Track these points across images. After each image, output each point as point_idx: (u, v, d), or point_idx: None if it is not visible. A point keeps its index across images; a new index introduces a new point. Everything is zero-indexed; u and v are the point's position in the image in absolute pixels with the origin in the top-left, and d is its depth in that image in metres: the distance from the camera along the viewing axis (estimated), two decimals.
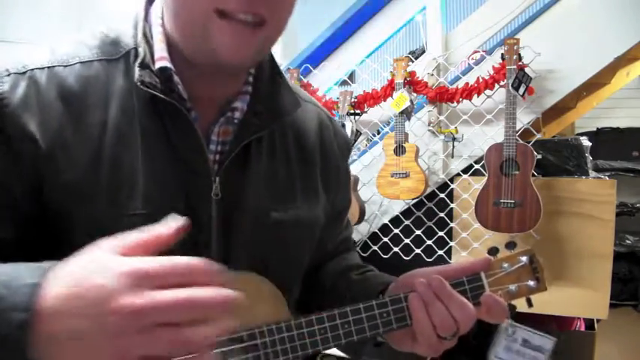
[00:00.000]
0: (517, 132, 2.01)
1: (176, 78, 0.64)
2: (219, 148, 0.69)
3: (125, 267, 0.41)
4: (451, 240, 2.35)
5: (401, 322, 0.67)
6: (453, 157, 2.32)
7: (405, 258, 2.45)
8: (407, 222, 2.45)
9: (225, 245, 0.68)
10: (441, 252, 2.37)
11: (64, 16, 3.09)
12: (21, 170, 0.59)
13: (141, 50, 0.64)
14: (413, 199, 2.35)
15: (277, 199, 0.73)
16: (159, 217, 0.61)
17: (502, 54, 2.05)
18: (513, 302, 0.71)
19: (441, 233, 2.36)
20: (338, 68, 2.72)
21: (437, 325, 0.65)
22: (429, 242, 2.39)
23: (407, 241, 2.44)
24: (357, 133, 2.46)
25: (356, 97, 2.46)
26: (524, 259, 0.72)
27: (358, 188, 2.44)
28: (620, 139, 4.40)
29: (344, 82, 2.79)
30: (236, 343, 0.64)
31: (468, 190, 2.27)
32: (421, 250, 2.41)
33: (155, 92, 0.62)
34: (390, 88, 2.33)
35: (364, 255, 2.53)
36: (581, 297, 2.07)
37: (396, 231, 2.47)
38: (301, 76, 2.60)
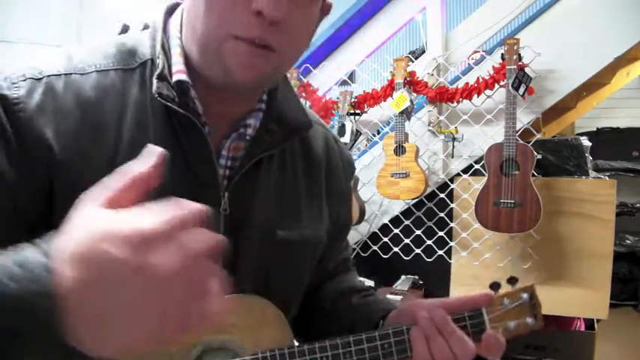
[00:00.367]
0: (517, 132, 2.01)
1: (193, 92, 0.65)
2: (230, 164, 0.70)
3: (125, 230, 0.39)
4: (451, 240, 2.35)
5: (401, 353, 0.68)
6: (453, 157, 2.32)
7: (405, 258, 2.45)
8: (407, 222, 2.46)
9: (230, 260, 0.68)
10: (441, 252, 2.37)
11: (64, 16, 3.09)
12: (34, 176, 0.59)
13: (159, 62, 0.64)
14: (413, 199, 2.35)
15: (284, 217, 0.73)
16: None
17: (502, 54, 2.05)
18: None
19: (441, 233, 2.36)
20: (338, 68, 2.72)
21: (436, 359, 0.67)
22: (429, 242, 2.39)
23: (407, 241, 2.44)
24: (357, 133, 2.46)
25: (356, 97, 2.46)
26: (524, 295, 0.73)
27: (358, 188, 2.44)
28: (620, 139, 4.40)
29: (344, 82, 2.79)
30: None
31: (468, 190, 2.27)
32: (421, 250, 2.41)
33: (172, 105, 0.63)
34: (390, 88, 2.33)
35: (364, 255, 2.54)
36: (581, 297, 2.07)
37: (396, 231, 2.47)
38: (301, 76, 2.61)
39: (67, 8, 3.11)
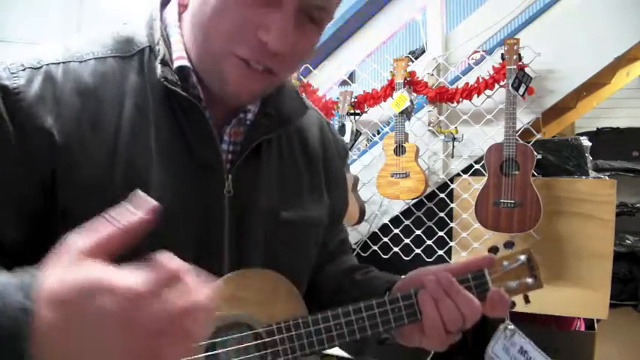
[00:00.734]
0: (517, 132, 2.01)
1: (194, 77, 0.66)
2: (231, 148, 0.71)
3: (114, 284, 0.40)
4: (451, 240, 2.35)
5: (412, 317, 0.70)
6: (453, 157, 2.32)
7: (405, 258, 2.45)
8: (407, 222, 2.46)
9: (237, 243, 0.69)
10: (441, 252, 2.37)
11: (64, 16, 3.09)
12: (35, 165, 0.59)
13: (160, 49, 0.65)
14: (413, 199, 2.35)
15: (286, 200, 0.75)
16: (172, 213, 0.62)
17: (502, 54, 2.05)
18: (513, 299, 0.75)
19: (441, 233, 2.36)
20: (338, 68, 2.72)
21: (445, 320, 0.68)
22: (429, 242, 2.39)
23: (407, 241, 2.44)
24: (357, 133, 2.46)
25: (356, 97, 2.46)
26: (522, 257, 0.76)
27: (358, 188, 2.44)
28: (620, 139, 4.40)
29: (344, 82, 2.79)
30: (253, 339, 0.66)
31: (468, 190, 2.27)
32: (421, 250, 2.41)
33: (177, 89, 0.64)
34: (390, 88, 2.33)
35: (364, 255, 2.54)
36: (581, 297, 2.07)
37: (396, 231, 2.47)
38: (301, 76, 2.61)
39: (67, 8, 3.11)
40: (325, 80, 2.74)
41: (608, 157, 4.18)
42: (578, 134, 3.99)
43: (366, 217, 2.45)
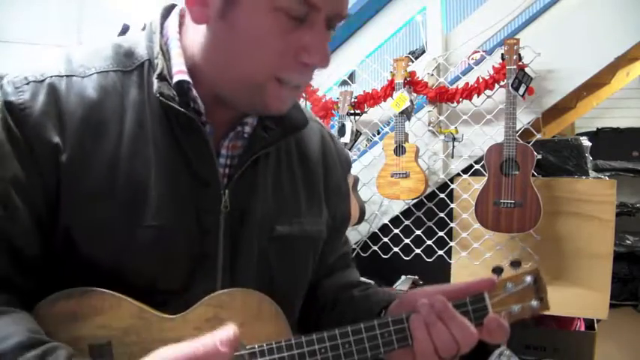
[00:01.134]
0: (517, 132, 2.01)
1: (194, 92, 0.65)
2: (229, 162, 0.71)
3: None
4: (451, 240, 2.35)
5: (402, 342, 0.67)
6: (453, 157, 2.32)
7: (405, 258, 2.45)
8: (407, 222, 2.46)
9: (231, 258, 0.69)
10: (441, 252, 2.37)
11: (64, 17, 3.08)
12: (44, 179, 0.60)
13: (159, 62, 0.65)
14: (413, 199, 2.35)
15: (283, 213, 0.74)
16: (170, 229, 0.63)
17: (502, 54, 2.05)
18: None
19: (441, 233, 2.36)
20: (338, 68, 2.72)
21: (438, 346, 0.65)
22: (429, 242, 2.39)
23: (407, 241, 2.44)
24: (357, 133, 2.46)
25: (356, 97, 2.46)
26: (528, 279, 0.71)
27: (358, 188, 2.44)
28: (620, 139, 4.40)
29: (344, 82, 2.78)
30: None
31: (468, 191, 2.27)
32: (421, 250, 2.41)
33: (173, 104, 0.63)
34: (390, 88, 2.33)
35: (364, 255, 2.54)
36: (581, 297, 2.07)
37: (396, 231, 2.47)
38: None
39: (67, 8, 3.11)
40: (325, 80, 2.74)
41: (608, 157, 4.18)
42: (578, 134, 3.99)
43: (366, 217, 2.45)
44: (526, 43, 2.05)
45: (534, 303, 0.70)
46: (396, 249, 2.47)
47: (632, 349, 3.08)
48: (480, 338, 0.68)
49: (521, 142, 2.01)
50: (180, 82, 0.65)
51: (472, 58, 2.47)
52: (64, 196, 0.60)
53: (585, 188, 2.08)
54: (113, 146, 0.62)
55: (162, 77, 0.64)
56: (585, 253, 2.08)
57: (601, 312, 2.08)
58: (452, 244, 2.35)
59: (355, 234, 2.55)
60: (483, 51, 2.42)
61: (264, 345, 0.63)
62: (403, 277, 2.44)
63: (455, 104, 2.29)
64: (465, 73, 2.37)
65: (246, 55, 0.61)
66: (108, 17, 2.95)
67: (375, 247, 2.52)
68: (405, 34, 4.67)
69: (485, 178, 2.06)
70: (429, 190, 2.35)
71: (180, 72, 0.65)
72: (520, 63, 2.02)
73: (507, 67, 2.01)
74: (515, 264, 0.74)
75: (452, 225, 2.33)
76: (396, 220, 2.49)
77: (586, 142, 2.34)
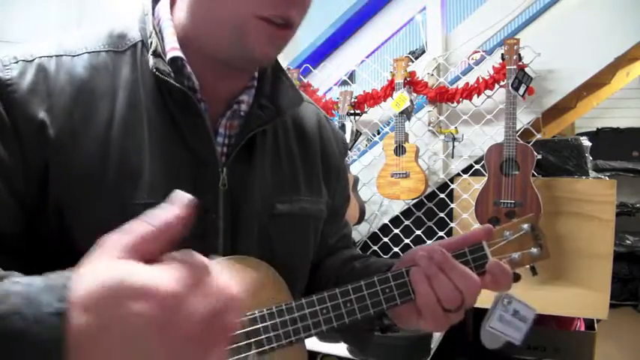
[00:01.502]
0: (517, 132, 2.01)
1: (188, 68, 0.65)
2: (226, 141, 0.70)
3: (152, 287, 0.38)
4: None
5: (404, 296, 0.66)
6: (453, 157, 2.32)
7: None
8: (407, 222, 2.46)
9: (232, 236, 0.68)
10: None
11: (64, 17, 3.09)
12: (28, 159, 0.58)
13: (153, 41, 0.65)
14: (413, 199, 2.35)
15: (282, 192, 0.74)
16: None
17: (502, 54, 2.05)
18: (517, 271, 0.70)
19: (441, 233, 2.36)
20: (338, 68, 2.72)
21: (441, 298, 0.64)
22: (429, 242, 2.38)
23: (407, 241, 2.45)
24: (357, 133, 2.46)
25: (356, 97, 2.46)
26: (525, 226, 0.71)
27: (358, 188, 2.44)
28: (620, 139, 4.41)
29: (344, 82, 2.79)
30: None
31: (468, 191, 2.27)
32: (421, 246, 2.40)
33: (169, 80, 0.63)
34: (390, 88, 2.33)
35: None
36: (581, 297, 2.07)
37: (396, 231, 2.47)
38: (301, 76, 2.61)
39: (67, 8, 3.11)
40: (325, 80, 2.74)
41: (608, 157, 4.19)
42: (578, 134, 4.00)
43: (366, 217, 2.45)
44: (526, 43, 2.05)
45: (534, 250, 0.70)
46: (396, 249, 2.47)
47: (632, 349, 3.08)
48: (485, 287, 0.67)
49: (521, 142, 2.01)
50: (175, 59, 0.64)
51: (472, 58, 2.47)
52: (53, 176, 0.59)
53: (585, 188, 2.08)
54: (104, 125, 0.61)
55: (156, 54, 0.64)
56: (585, 253, 2.08)
57: (601, 312, 2.08)
58: None
59: (355, 234, 2.55)
60: (483, 51, 2.42)
61: (265, 310, 0.63)
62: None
63: (455, 104, 2.29)
64: (465, 73, 2.37)
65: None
66: (108, 17, 2.94)
67: (375, 247, 2.52)
68: (405, 34, 4.68)
69: (485, 178, 2.07)
70: (429, 190, 2.35)
71: (173, 49, 0.65)
72: (520, 63, 2.02)
73: (507, 67, 2.01)
74: (510, 214, 0.74)
75: (452, 225, 2.34)
76: (396, 220, 2.49)
77: (586, 142, 2.34)
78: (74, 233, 0.59)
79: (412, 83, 2.31)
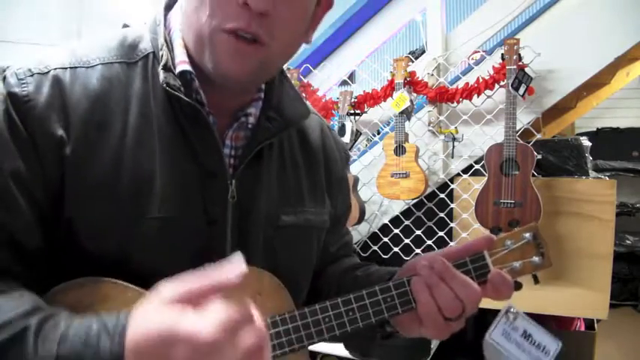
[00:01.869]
0: (517, 132, 2.01)
1: (197, 82, 0.66)
2: (233, 153, 0.71)
3: (191, 335, 0.44)
4: (451, 240, 2.35)
5: (405, 305, 0.67)
6: (453, 157, 2.32)
7: (405, 258, 2.45)
8: (407, 222, 2.46)
9: (239, 247, 0.68)
10: None
11: (65, 17, 3.09)
12: (46, 173, 0.59)
13: (163, 54, 0.65)
14: (413, 199, 2.35)
15: (287, 203, 0.75)
16: (176, 220, 0.63)
17: (502, 54, 2.05)
18: (519, 280, 0.70)
19: (441, 233, 2.36)
20: (338, 68, 2.72)
21: (442, 307, 0.65)
22: (429, 242, 2.39)
23: (407, 241, 2.45)
24: (357, 133, 2.46)
25: (356, 97, 2.46)
26: (527, 235, 0.71)
27: (358, 188, 2.44)
28: (620, 139, 4.41)
29: (344, 82, 2.79)
30: None
31: (468, 191, 2.27)
32: (421, 250, 2.40)
33: (180, 95, 0.63)
34: (390, 88, 2.33)
35: (364, 255, 2.54)
36: (581, 297, 2.07)
37: (396, 231, 2.47)
38: (301, 76, 2.60)
39: (68, 8, 3.11)
40: (325, 80, 2.74)
41: (608, 157, 4.19)
42: (578, 134, 4.00)
43: (366, 217, 2.45)
44: (526, 43, 2.05)
45: (536, 259, 0.70)
46: (396, 249, 2.47)
47: (632, 349, 3.08)
48: (486, 297, 0.68)
49: (521, 142, 2.01)
50: (184, 73, 0.65)
51: (472, 58, 2.47)
52: (69, 188, 0.60)
53: (585, 188, 2.08)
54: (118, 138, 0.62)
55: (167, 68, 0.64)
56: (585, 253, 2.08)
57: (601, 312, 2.08)
58: (452, 244, 2.34)
59: (355, 234, 2.55)
60: (483, 51, 2.42)
61: (268, 319, 0.64)
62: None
63: (455, 104, 2.29)
64: (465, 73, 2.37)
65: (196, 11, 0.61)
66: (108, 17, 2.95)
67: (375, 247, 2.52)
68: (405, 34, 4.68)
69: (485, 178, 2.06)
70: (429, 190, 2.35)
71: (182, 62, 0.65)
72: (520, 63, 2.02)
73: (507, 67, 2.01)
74: (513, 223, 0.74)
75: (452, 225, 2.34)
76: (396, 220, 2.49)
77: (586, 142, 2.34)
78: (87, 244, 0.60)
79: (412, 83, 2.31)
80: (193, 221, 0.65)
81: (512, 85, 1.98)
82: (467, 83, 2.22)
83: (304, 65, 2.66)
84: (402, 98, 2.22)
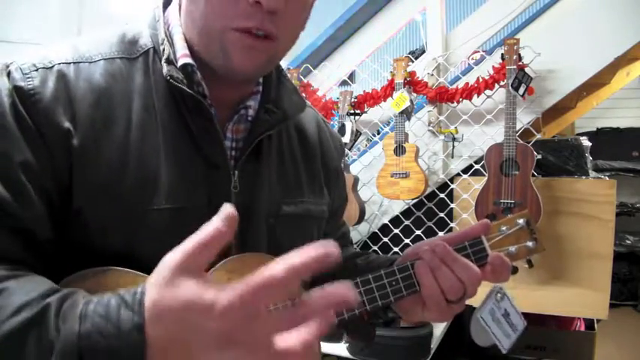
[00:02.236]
0: (517, 132, 2.01)
1: (199, 75, 0.67)
2: (234, 145, 0.73)
3: (212, 302, 0.43)
4: None
5: (410, 288, 0.70)
6: (453, 157, 2.32)
7: None
8: (407, 222, 2.46)
9: (242, 237, 0.70)
10: None
11: (65, 17, 3.09)
12: (55, 165, 0.60)
13: (165, 48, 0.66)
14: (413, 199, 2.35)
15: (287, 194, 0.76)
16: (182, 211, 0.64)
17: (502, 54, 2.05)
18: (514, 264, 0.74)
19: (441, 233, 2.36)
20: (338, 68, 2.72)
21: (445, 289, 0.68)
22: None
23: (407, 241, 2.45)
24: (357, 133, 2.46)
25: (356, 97, 2.46)
26: (521, 221, 0.75)
27: (358, 188, 2.44)
28: (620, 139, 4.41)
29: (344, 82, 2.79)
30: None
31: (468, 191, 2.27)
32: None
33: (183, 87, 0.64)
34: (390, 88, 2.33)
35: None
36: (581, 297, 2.07)
37: (396, 231, 2.47)
38: (301, 76, 2.61)
39: (67, 8, 3.11)
40: (325, 80, 2.74)
41: (608, 157, 4.19)
42: (578, 134, 3.99)
43: (366, 217, 2.45)
44: (526, 43, 2.05)
45: (530, 243, 0.75)
46: (396, 249, 2.47)
47: (632, 349, 3.08)
48: (485, 279, 0.71)
49: (521, 142, 2.01)
50: (185, 65, 0.66)
51: (472, 58, 2.47)
52: (76, 180, 0.60)
53: (585, 188, 2.08)
54: (123, 132, 0.63)
55: (169, 61, 0.65)
56: (585, 253, 2.08)
57: (601, 312, 2.08)
58: None
59: (355, 234, 2.55)
60: (483, 51, 2.42)
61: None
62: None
63: (455, 104, 2.29)
64: (465, 73, 2.37)
65: (204, 11, 0.62)
66: (108, 18, 2.95)
67: (375, 247, 2.52)
68: (405, 34, 4.68)
69: (485, 178, 2.06)
70: (429, 190, 2.35)
71: (184, 56, 0.66)
72: (520, 63, 2.02)
73: (507, 67, 2.01)
74: (506, 210, 0.79)
75: (452, 225, 2.34)
76: (396, 220, 2.49)
77: (586, 142, 2.34)
78: (94, 237, 0.61)
79: (412, 83, 2.31)
80: (199, 212, 0.66)
81: (512, 85, 1.98)
82: (467, 83, 2.22)
83: (304, 65, 2.66)
84: (402, 98, 2.22)
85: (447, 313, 0.70)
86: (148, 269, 0.62)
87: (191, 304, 0.42)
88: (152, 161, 0.64)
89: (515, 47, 2.01)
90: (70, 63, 0.63)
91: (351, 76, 2.71)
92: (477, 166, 2.26)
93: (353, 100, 2.45)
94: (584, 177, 2.17)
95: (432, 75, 2.37)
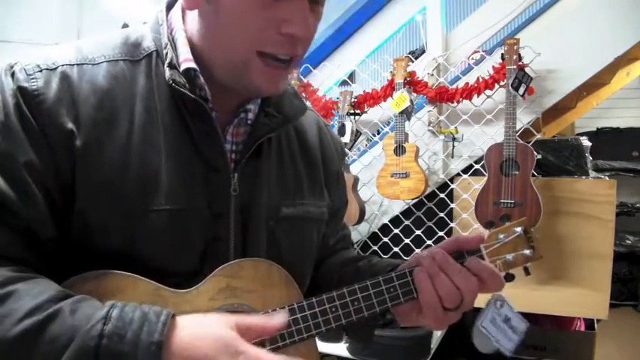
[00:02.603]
0: (517, 132, 2.01)
1: (201, 79, 0.67)
2: (234, 148, 0.73)
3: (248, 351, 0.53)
4: None
5: (408, 295, 0.71)
6: (453, 157, 2.32)
7: (405, 258, 2.43)
8: (407, 222, 2.46)
9: (242, 239, 0.71)
10: None
11: (65, 17, 3.09)
12: (58, 165, 0.60)
13: (168, 52, 0.67)
14: (413, 199, 2.35)
15: (287, 196, 0.77)
16: (181, 212, 0.65)
17: (502, 54, 2.05)
18: (512, 272, 0.73)
19: (441, 233, 2.36)
20: (338, 68, 2.72)
21: (442, 297, 0.69)
22: (429, 242, 2.39)
23: (407, 241, 2.45)
24: (357, 133, 2.46)
25: (356, 97, 2.46)
26: (518, 229, 0.76)
27: (358, 188, 2.44)
28: (620, 139, 4.41)
29: (344, 82, 2.78)
30: None
31: (468, 190, 2.27)
32: (421, 250, 2.40)
33: (185, 91, 0.65)
34: (390, 88, 2.33)
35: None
36: (581, 297, 2.07)
37: (396, 231, 2.47)
38: (301, 76, 2.61)
39: (67, 8, 3.11)
40: (325, 80, 2.74)
41: (608, 157, 4.19)
42: (578, 134, 3.99)
43: (366, 217, 2.45)
44: (526, 43, 2.05)
45: (527, 251, 0.75)
46: (396, 249, 2.47)
47: (632, 349, 3.08)
48: (480, 292, 0.71)
49: (521, 142, 2.01)
50: (188, 70, 0.66)
51: (472, 58, 2.47)
52: (79, 180, 0.61)
53: (585, 188, 2.08)
54: (125, 134, 0.63)
55: (172, 66, 0.66)
56: (585, 253, 2.08)
57: (601, 312, 2.08)
58: None
59: (355, 234, 2.55)
60: (483, 51, 2.42)
61: (277, 308, 0.67)
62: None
63: (455, 104, 2.29)
64: (465, 73, 2.37)
65: (229, 32, 0.63)
66: (108, 17, 2.95)
67: (375, 247, 2.52)
68: (405, 34, 4.68)
69: (485, 178, 2.06)
70: (429, 190, 2.35)
71: (187, 60, 0.67)
72: (520, 63, 2.02)
73: (507, 67, 2.01)
74: (504, 218, 0.78)
75: (452, 225, 2.34)
76: (396, 220, 2.49)
77: (586, 142, 2.34)
78: (96, 238, 0.62)
79: (412, 83, 2.31)
80: (198, 214, 0.67)
81: (512, 85, 1.98)
82: (467, 83, 2.22)
83: (304, 65, 2.66)
84: (402, 98, 2.22)
85: (443, 320, 0.70)
86: (147, 269, 0.62)
87: (229, 345, 0.52)
88: (153, 162, 0.64)
89: (515, 47, 2.01)
90: (73, 64, 0.64)
91: (351, 76, 2.71)
92: (477, 166, 2.26)
93: (353, 100, 2.45)
94: (584, 177, 2.17)
95: (432, 75, 2.37)
